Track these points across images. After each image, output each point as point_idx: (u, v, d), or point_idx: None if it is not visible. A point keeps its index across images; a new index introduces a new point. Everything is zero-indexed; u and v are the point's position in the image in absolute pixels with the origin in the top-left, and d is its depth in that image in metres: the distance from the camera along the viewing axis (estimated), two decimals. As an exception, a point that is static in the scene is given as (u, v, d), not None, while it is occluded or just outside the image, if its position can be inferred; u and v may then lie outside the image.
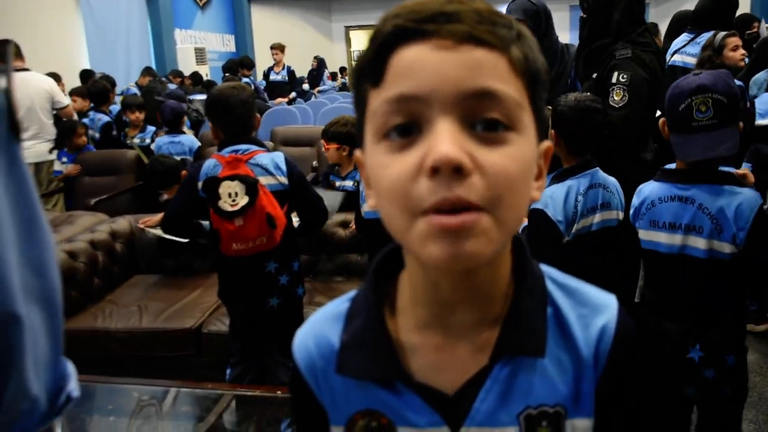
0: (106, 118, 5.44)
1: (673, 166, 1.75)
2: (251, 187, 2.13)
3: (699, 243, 1.64)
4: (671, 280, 1.72)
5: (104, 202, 4.21)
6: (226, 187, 2.14)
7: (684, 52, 3.70)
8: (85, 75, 7.32)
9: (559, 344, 0.58)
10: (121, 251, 3.36)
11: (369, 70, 0.52)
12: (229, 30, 13.48)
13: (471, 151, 0.48)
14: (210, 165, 2.21)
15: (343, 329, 0.62)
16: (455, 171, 0.47)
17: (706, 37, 3.60)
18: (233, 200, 2.13)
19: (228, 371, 2.46)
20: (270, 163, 2.23)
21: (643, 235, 1.77)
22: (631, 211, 1.82)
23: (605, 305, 0.60)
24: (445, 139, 0.47)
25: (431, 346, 0.58)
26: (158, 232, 3.10)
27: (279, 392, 1.90)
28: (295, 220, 2.46)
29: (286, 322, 2.42)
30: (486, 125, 0.49)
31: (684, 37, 3.80)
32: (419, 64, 0.49)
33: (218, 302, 2.86)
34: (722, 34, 3.44)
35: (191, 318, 2.83)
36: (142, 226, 3.19)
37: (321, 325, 0.64)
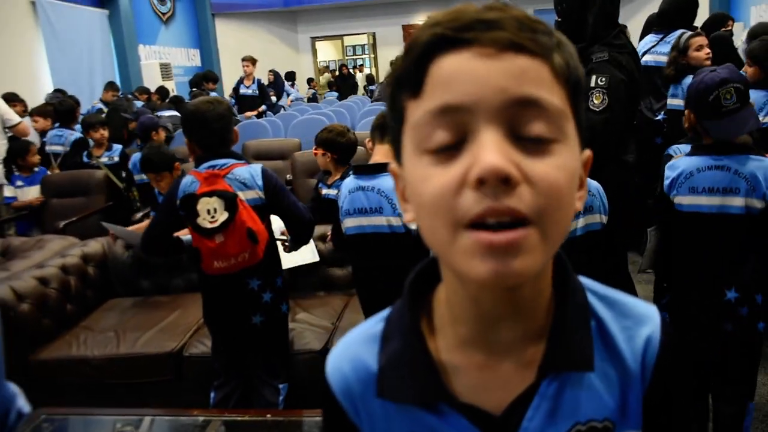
0: (77, 134, 5.28)
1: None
2: (230, 202, 2.08)
3: (736, 201, 1.98)
4: (711, 237, 2.04)
5: (74, 225, 4.10)
6: (204, 204, 2.09)
7: (655, 51, 3.78)
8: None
9: (604, 357, 0.57)
10: (94, 275, 3.26)
11: (408, 81, 0.51)
12: (193, 44, 13.34)
13: (518, 161, 0.46)
14: (187, 182, 2.16)
15: (379, 351, 0.60)
16: (503, 182, 0.45)
17: (675, 35, 3.68)
18: (212, 217, 2.08)
19: (212, 395, 2.40)
20: (248, 176, 2.18)
21: (684, 200, 2.07)
22: (666, 182, 2.12)
23: (647, 316, 0.60)
24: (491, 149, 0.46)
25: (474, 364, 0.56)
26: (119, 231, 3.03)
27: (269, 416, 1.84)
28: (277, 229, 2.41)
29: (271, 340, 2.38)
30: (531, 139, 0.48)
31: (652, 38, 3.88)
32: (462, 73, 0.48)
33: (199, 323, 2.79)
34: (687, 34, 3.51)
35: (171, 341, 2.75)
36: (105, 224, 3.11)
37: (355, 348, 0.62)
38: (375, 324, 0.62)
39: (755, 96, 3.00)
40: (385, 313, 0.63)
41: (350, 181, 2.20)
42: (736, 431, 2.12)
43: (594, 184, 2.03)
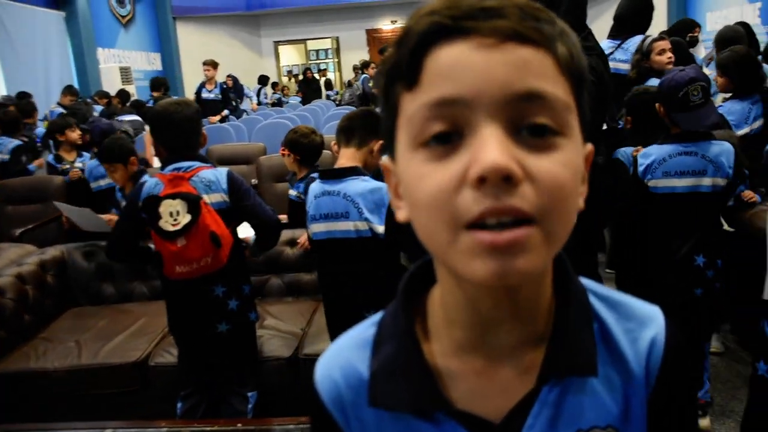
0: (17, 141, 5.03)
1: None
2: (193, 204, 2.03)
3: (706, 181, 2.34)
4: (684, 212, 2.39)
5: (31, 232, 3.96)
6: (167, 206, 2.03)
7: (614, 58, 3.80)
8: (22, 96, 6.91)
9: (607, 361, 0.55)
10: (53, 283, 3.15)
11: (402, 72, 0.48)
12: (154, 48, 13.12)
13: (520, 158, 0.44)
14: (151, 184, 2.12)
15: (371, 357, 0.57)
16: (504, 180, 0.43)
17: (631, 42, 3.73)
18: (174, 219, 2.02)
19: (179, 405, 2.33)
20: (213, 179, 2.14)
21: (660, 183, 2.41)
22: (641, 169, 2.43)
23: (651, 317, 0.58)
24: (492, 146, 0.43)
25: (472, 370, 0.54)
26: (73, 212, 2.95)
27: (239, 425, 1.79)
28: (244, 233, 2.37)
29: (238, 348, 2.33)
30: (534, 130, 0.45)
31: (608, 44, 3.90)
32: (461, 65, 0.45)
33: (164, 331, 2.72)
34: (651, 38, 3.57)
35: (136, 350, 2.67)
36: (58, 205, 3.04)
37: (346, 354, 0.59)
38: (366, 329, 0.60)
39: (735, 107, 3.09)
40: (377, 317, 0.60)
41: (316, 186, 2.17)
42: (699, 371, 2.50)
43: None
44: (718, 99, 3.77)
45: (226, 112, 8.11)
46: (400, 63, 0.48)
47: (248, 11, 14.50)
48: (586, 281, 0.59)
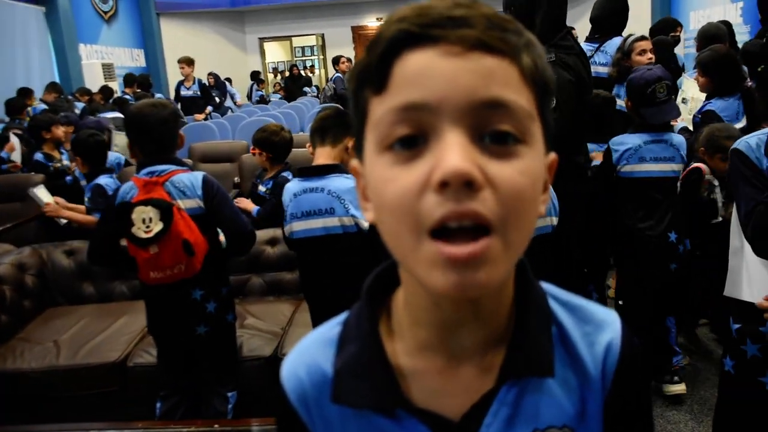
0: None
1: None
2: (166, 212, 2.01)
3: (674, 166, 2.68)
4: (658, 194, 2.68)
5: (9, 232, 3.91)
6: (140, 213, 2.01)
7: (594, 62, 3.80)
8: (23, 92, 6.82)
9: (565, 363, 0.57)
10: (31, 283, 3.12)
11: (371, 77, 0.49)
12: (138, 44, 12.98)
13: (481, 164, 0.45)
14: (126, 188, 2.10)
15: (335, 355, 0.58)
16: (466, 185, 0.44)
17: (610, 44, 3.75)
18: (147, 226, 2.00)
19: (158, 405, 2.32)
20: (188, 184, 2.11)
21: (636, 168, 2.67)
22: (615, 155, 2.69)
23: (608, 321, 0.60)
24: (455, 152, 0.45)
25: (433, 369, 0.55)
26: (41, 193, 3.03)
27: (216, 425, 1.78)
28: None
29: (217, 349, 2.32)
30: (496, 138, 0.47)
31: (587, 47, 3.89)
32: (428, 71, 0.46)
33: (144, 331, 2.70)
34: (632, 38, 3.58)
35: (114, 351, 2.65)
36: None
37: (311, 352, 0.60)
38: (332, 328, 0.61)
39: (723, 105, 3.11)
40: (342, 316, 0.61)
41: (294, 185, 2.16)
42: (667, 343, 2.80)
43: None
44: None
45: (209, 108, 8.05)
46: (370, 68, 0.49)
47: (233, 7, 14.41)
48: (546, 285, 0.60)
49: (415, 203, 0.46)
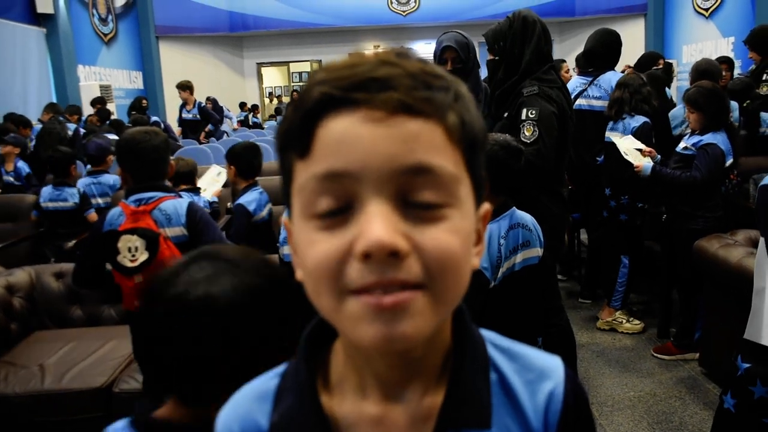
0: None
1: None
2: (151, 242, 2.01)
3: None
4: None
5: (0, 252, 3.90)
6: (126, 241, 2.01)
7: (587, 95, 3.86)
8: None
9: (507, 411, 0.55)
10: (19, 306, 3.10)
11: (294, 140, 0.48)
12: (136, 66, 13.07)
13: (406, 231, 0.45)
14: (114, 214, 2.11)
15: (272, 409, 0.57)
16: (390, 255, 0.44)
17: (603, 78, 3.80)
18: (133, 255, 2.00)
19: (143, 433, 2.29)
20: (173, 211, 2.10)
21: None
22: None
23: (551, 369, 0.58)
24: (377, 222, 0.44)
25: (370, 420, 0.54)
26: None
27: (200, 456, 1.77)
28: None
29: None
30: (421, 204, 0.46)
31: (580, 81, 3.95)
32: (349, 139, 0.45)
33: (131, 357, 2.68)
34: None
35: (101, 376, 2.63)
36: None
37: (247, 406, 0.59)
38: (269, 380, 0.60)
39: (721, 138, 3.16)
40: (281, 368, 0.60)
41: None
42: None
43: (528, 218, 2.05)
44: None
45: (210, 127, 8.12)
46: (292, 131, 0.48)
47: (231, 32, 14.54)
48: (486, 332, 0.59)
49: (336, 269, 0.45)
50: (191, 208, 2.15)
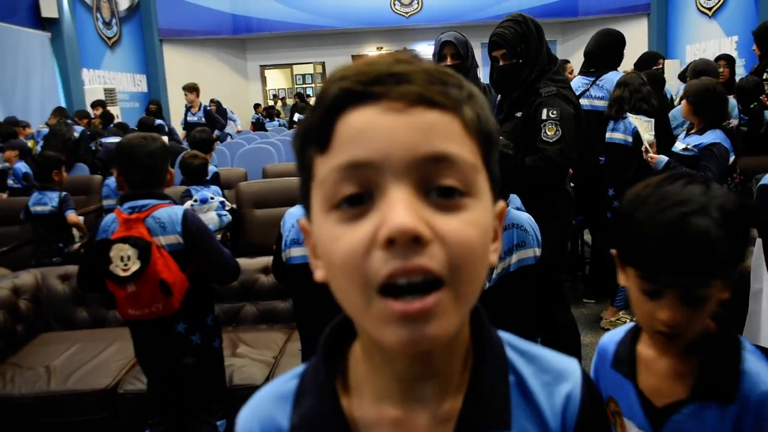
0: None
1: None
2: (144, 251, 1.98)
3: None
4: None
5: (5, 255, 3.92)
6: (118, 250, 1.99)
7: (590, 95, 3.86)
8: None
9: (525, 414, 0.56)
10: (25, 308, 3.12)
11: (315, 136, 0.49)
12: (140, 70, 13.11)
13: (428, 218, 0.45)
14: (108, 221, 2.10)
15: (292, 410, 0.58)
16: (413, 241, 0.44)
17: (605, 78, 3.80)
18: (125, 265, 1.98)
19: (147, 433, 2.31)
20: (167, 219, 2.07)
21: None
22: None
23: (568, 371, 0.59)
24: (400, 208, 0.45)
25: (389, 421, 0.54)
26: None
27: (204, 455, 1.79)
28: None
29: (205, 378, 2.31)
30: (442, 192, 0.47)
31: (582, 81, 3.96)
32: (370, 129, 0.46)
33: (135, 358, 2.69)
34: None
35: (106, 377, 2.65)
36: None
37: (267, 407, 0.60)
38: (288, 380, 0.60)
39: (722, 136, 3.15)
40: (299, 369, 0.61)
41: (297, 210, 2.17)
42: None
43: (525, 217, 2.04)
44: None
45: (217, 133, 8.13)
46: (313, 127, 0.49)
47: (235, 35, 14.57)
48: (504, 334, 0.60)
49: (362, 261, 0.46)
50: (187, 216, 2.11)
